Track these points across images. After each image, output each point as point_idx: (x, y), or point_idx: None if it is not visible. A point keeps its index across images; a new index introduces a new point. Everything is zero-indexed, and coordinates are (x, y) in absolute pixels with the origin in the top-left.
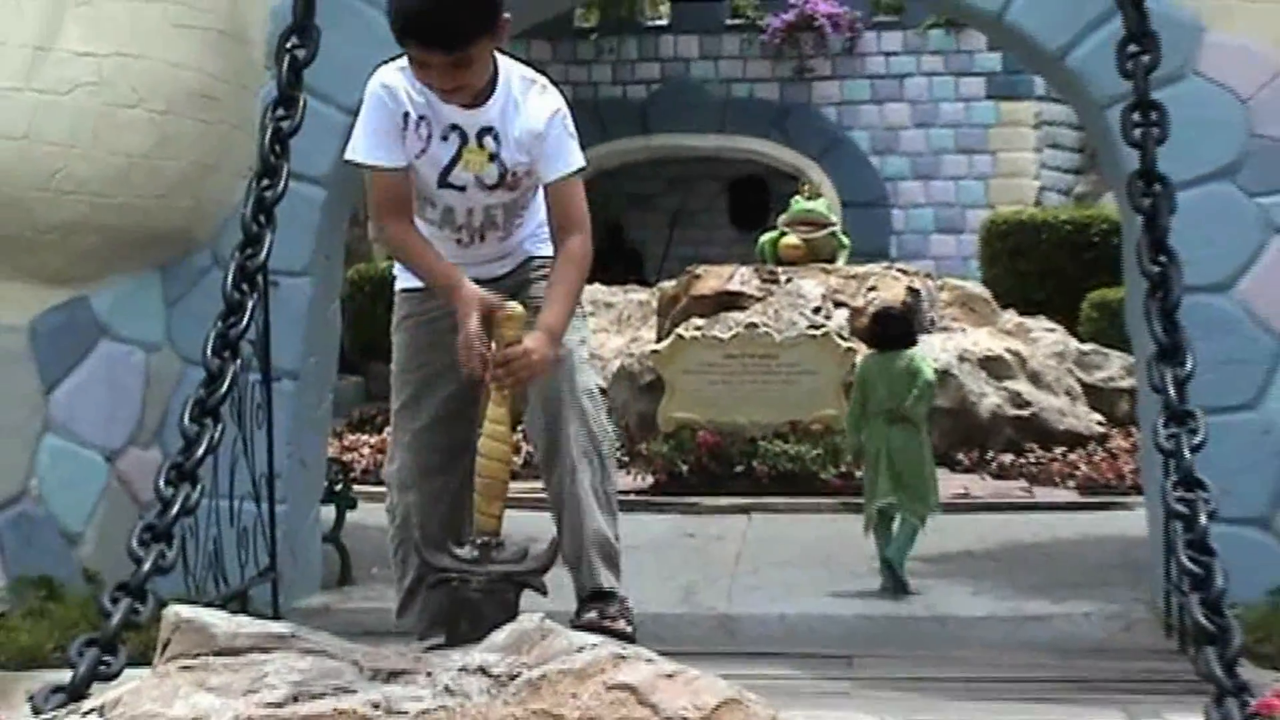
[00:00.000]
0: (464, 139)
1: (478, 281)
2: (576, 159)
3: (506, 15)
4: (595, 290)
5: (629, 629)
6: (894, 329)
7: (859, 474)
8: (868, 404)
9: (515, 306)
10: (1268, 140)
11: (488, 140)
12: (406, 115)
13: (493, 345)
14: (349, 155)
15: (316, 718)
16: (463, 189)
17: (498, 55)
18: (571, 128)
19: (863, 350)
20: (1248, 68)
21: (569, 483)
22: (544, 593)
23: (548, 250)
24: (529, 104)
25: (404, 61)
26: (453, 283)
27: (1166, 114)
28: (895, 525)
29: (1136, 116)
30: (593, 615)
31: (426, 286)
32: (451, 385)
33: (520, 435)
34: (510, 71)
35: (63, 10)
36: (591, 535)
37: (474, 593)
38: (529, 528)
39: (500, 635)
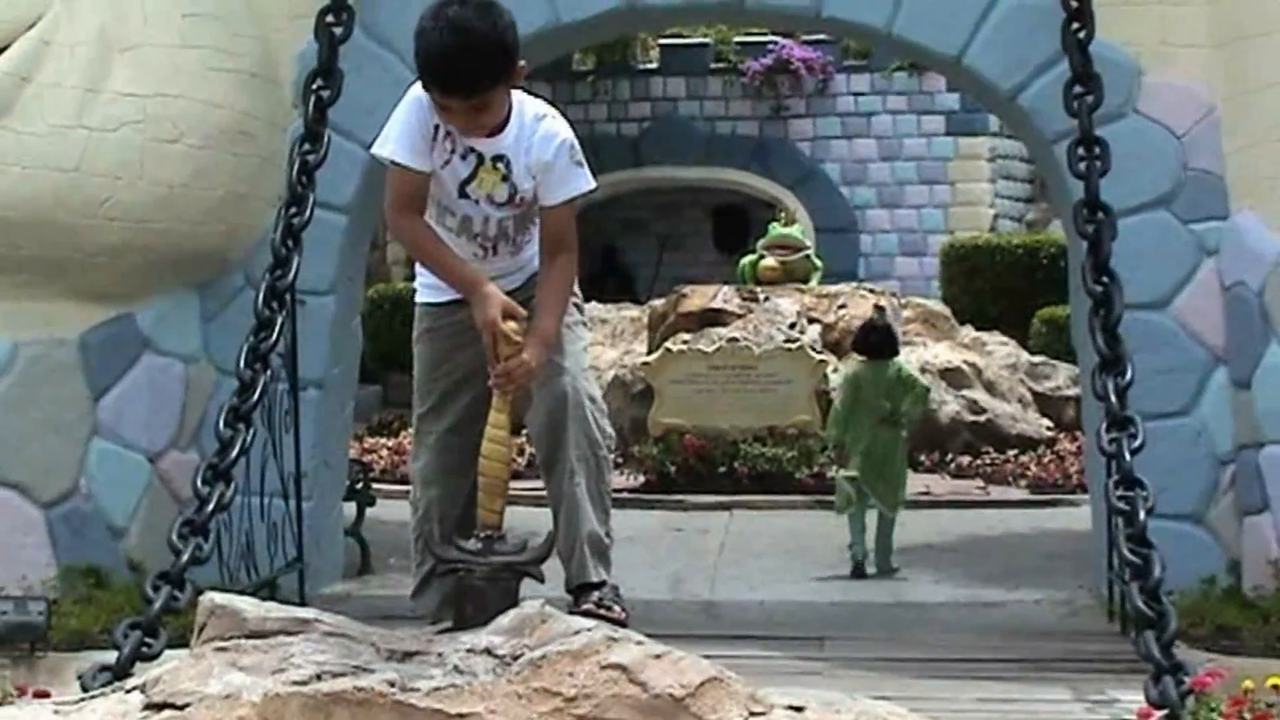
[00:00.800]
0: (480, 160)
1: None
2: (581, 184)
3: (522, 63)
4: (591, 308)
5: (622, 615)
6: (882, 340)
7: (831, 474)
8: (858, 406)
9: (510, 326)
10: (1200, 173)
11: (500, 165)
12: (437, 127)
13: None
14: (377, 149)
15: (338, 694)
16: (477, 202)
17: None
18: (579, 155)
19: (834, 362)
20: (1182, 107)
21: (567, 484)
22: (541, 580)
23: None
24: (539, 136)
25: None
26: (473, 280)
27: (1108, 149)
28: (869, 519)
29: (1081, 151)
30: (590, 605)
31: (445, 301)
32: (471, 393)
33: (524, 438)
34: (523, 105)
35: (110, 55)
36: (585, 533)
37: (478, 581)
38: (531, 523)
39: (504, 619)
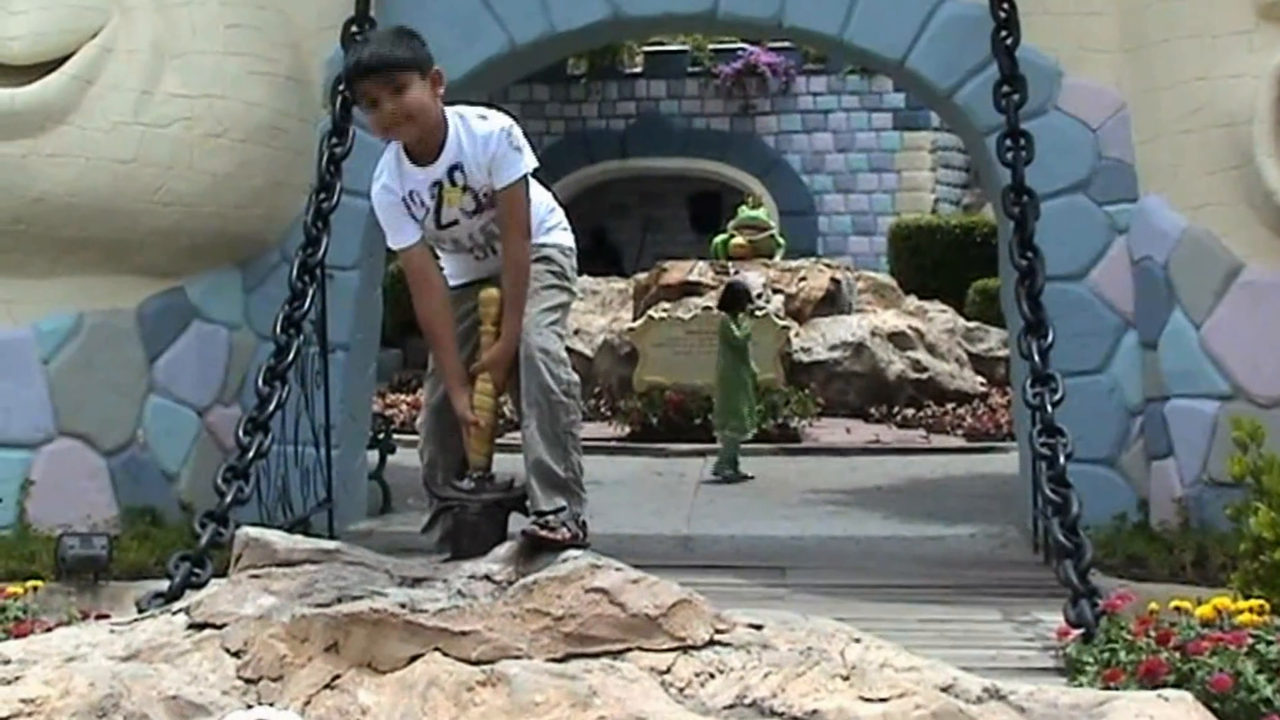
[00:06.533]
0: (440, 185)
1: (497, 276)
2: (520, 167)
3: (438, 68)
4: (583, 280)
5: (568, 535)
6: (735, 298)
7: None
8: (724, 350)
9: (490, 293)
10: (1112, 161)
11: (457, 175)
12: (405, 199)
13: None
14: (390, 246)
15: (356, 615)
16: (455, 223)
17: (445, 111)
18: (517, 140)
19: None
20: (1096, 104)
21: (525, 428)
22: (526, 514)
23: (545, 238)
24: (478, 133)
25: (386, 161)
26: (450, 381)
27: (1032, 140)
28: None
29: (1009, 143)
30: (534, 526)
31: (456, 285)
32: (465, 361)
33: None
34: (462, 114)
35: (163, 62)
36: (533, 466)
37: (472, 516)
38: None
39: (501, 550)
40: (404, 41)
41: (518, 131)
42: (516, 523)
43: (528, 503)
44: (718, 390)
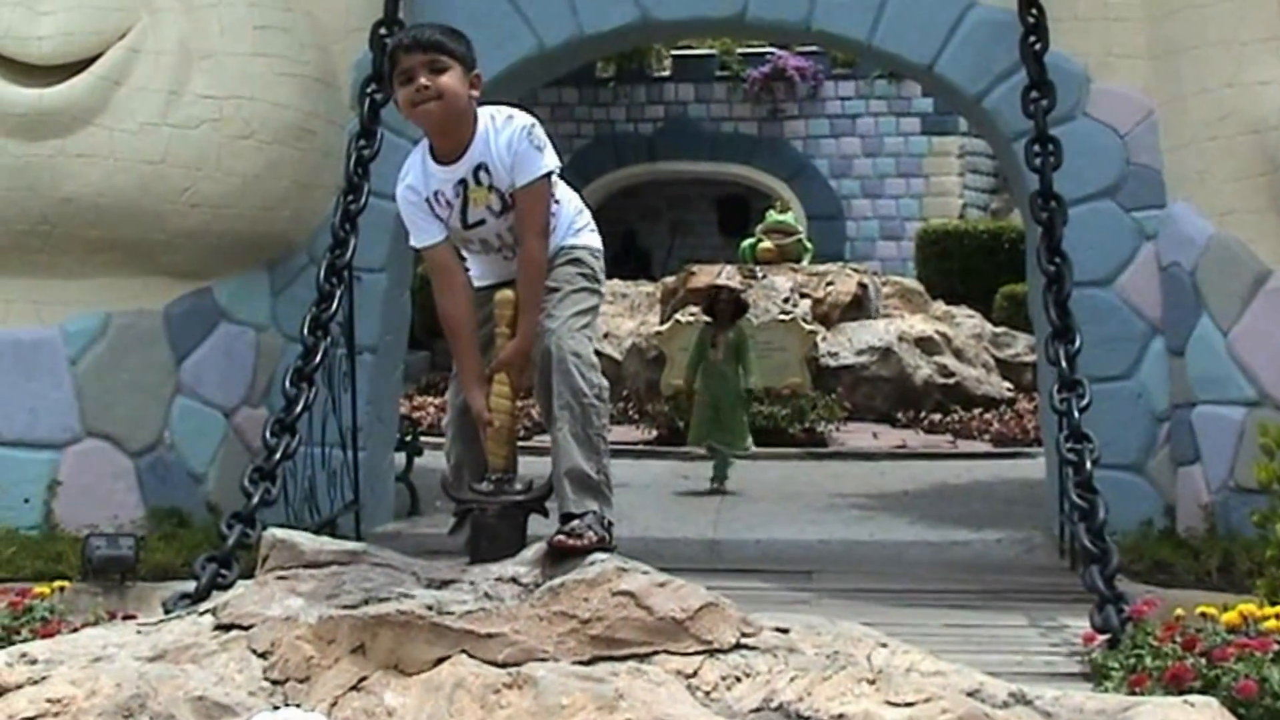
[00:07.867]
0: (465, 184)
1: None
2: (543, 166)
3: (478, 71)
4: (612, 284)
5: (595, 539)
6: (725, 306)
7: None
8: (704, 361)
9: (505, 295)
10: (1140, 167)
11: (482, 175)
12: (429, 200)
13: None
14: (413, 244)
15: (383, 617)
16: (482, 222)
17: (478, 111)
18: (539, 139)
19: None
20: (1125, 110)
21: (554, 430)
22: (545, 515)
23: (575, 240)
24: (502, 132)
25: (412, 161)
26: (466, 379)
27: (1060, 146)
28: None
29: (1037, 148)
30: (561, 536)
31: (484, 288)
32: (487, 361)
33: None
34: (490, 114)
35: (190, 63)
36: (566, 469)
37: (490, 519)
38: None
39: (528, 552)
40: (456, 35)
41: (539, 130)
42: (538, 523)
43: (548, 504)
44: (712, 407)
